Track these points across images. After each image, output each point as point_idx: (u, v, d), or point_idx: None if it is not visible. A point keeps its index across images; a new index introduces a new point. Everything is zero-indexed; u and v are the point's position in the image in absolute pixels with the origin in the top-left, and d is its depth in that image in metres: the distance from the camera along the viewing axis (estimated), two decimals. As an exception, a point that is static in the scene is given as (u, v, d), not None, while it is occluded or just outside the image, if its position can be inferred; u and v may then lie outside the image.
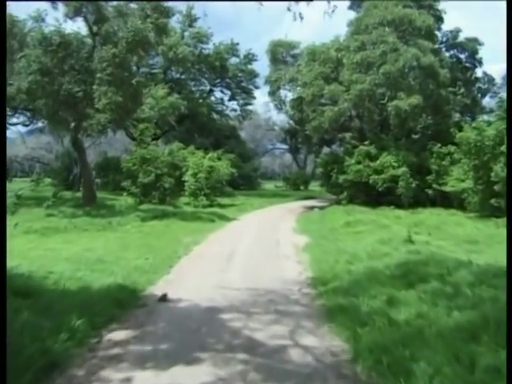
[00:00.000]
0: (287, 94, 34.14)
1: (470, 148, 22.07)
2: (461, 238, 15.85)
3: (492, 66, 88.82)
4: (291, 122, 53.51)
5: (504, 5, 7.05)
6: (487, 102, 38.98)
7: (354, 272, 10.01)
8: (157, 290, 8.54)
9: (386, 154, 27.58)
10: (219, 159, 30.33)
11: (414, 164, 27.72)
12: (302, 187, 57.93)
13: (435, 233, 17.32)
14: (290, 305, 7.76)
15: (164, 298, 7.85)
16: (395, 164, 27.09)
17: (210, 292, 8.40)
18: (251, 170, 53.84)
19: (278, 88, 33.15)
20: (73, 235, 15.74)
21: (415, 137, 31.92)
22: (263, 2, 6.71)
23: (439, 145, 27.41)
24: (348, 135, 30.52)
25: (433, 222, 20.72)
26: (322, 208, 30.56)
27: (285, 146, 75.78)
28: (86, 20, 21.08)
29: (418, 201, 27.19)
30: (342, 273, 10.04)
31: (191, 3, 43.13)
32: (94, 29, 21.01)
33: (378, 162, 27.30)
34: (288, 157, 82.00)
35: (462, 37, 35.72)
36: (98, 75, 19.39)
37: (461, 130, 23.16)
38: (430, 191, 27.39)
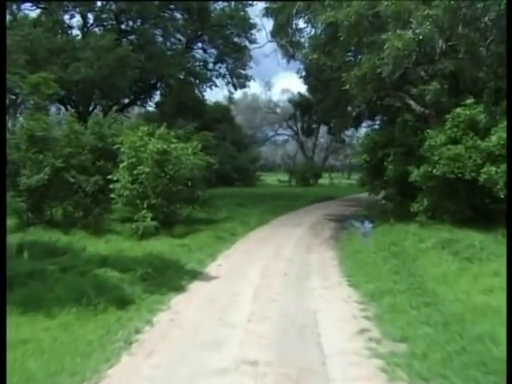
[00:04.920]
0: (304, 31, 20.01)
1: None
2: None
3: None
4: (303, 92, 40.11)
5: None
6: None
7: None
8: None
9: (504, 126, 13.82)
10: (187, 139, 16.66)
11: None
12: (311, 181, 46.92)
13: None
14: None
15: None
16: (527, 143, 13.38)
17: None
18: (248, 162, 42.94)
19: (288, 21, 19.28)
20: None
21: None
22: None
23: None
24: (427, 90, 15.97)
25: None
26: (368, 224, 17.66)
27: (289, 132, 63.09)
28: None
29: None
30: None
31: None
32: None
33: (493, 139, 13.54)
34: (292, 145, 68.91)
35: None
36: None
37: None
38: None
